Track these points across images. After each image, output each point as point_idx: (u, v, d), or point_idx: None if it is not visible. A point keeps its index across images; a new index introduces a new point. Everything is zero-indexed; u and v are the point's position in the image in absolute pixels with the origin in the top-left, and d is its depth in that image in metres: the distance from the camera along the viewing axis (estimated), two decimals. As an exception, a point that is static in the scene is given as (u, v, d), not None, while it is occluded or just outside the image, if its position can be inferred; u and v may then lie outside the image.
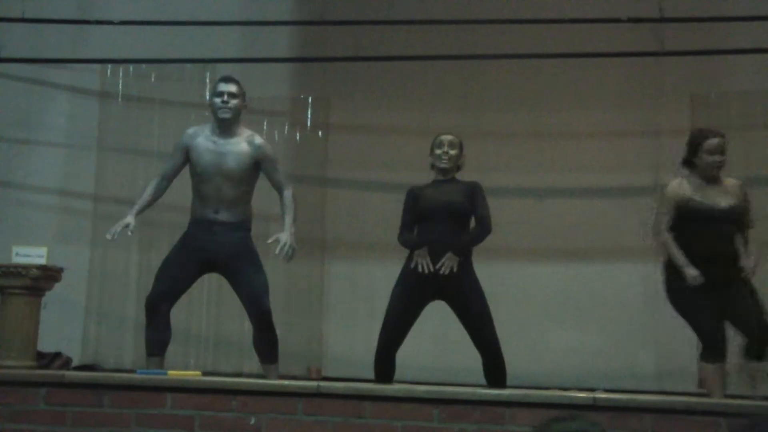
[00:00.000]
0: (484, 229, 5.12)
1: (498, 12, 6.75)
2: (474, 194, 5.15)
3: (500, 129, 6.88)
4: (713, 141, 4.95)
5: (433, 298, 5.11)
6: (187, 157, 5.18)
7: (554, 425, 1.80)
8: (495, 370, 5.07)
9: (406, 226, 5.20)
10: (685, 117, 6.85)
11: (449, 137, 5.26)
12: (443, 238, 5.02)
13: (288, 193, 5.18)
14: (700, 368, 4.94)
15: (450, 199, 5.11)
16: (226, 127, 5.12)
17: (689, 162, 5.03)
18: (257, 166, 5.15)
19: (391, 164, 7.02)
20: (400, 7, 6.97)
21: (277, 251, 4.98)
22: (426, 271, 4.95)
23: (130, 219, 5.07)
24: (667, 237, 4.93)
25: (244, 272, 5.09)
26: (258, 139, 5.18)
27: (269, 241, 5.02)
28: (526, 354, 6.07)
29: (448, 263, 4.96)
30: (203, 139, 5.13)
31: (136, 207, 5.19)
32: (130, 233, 5.09)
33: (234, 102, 5.11)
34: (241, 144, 5.11)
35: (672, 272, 4.94)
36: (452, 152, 5.21)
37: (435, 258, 4.98)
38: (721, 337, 4.87)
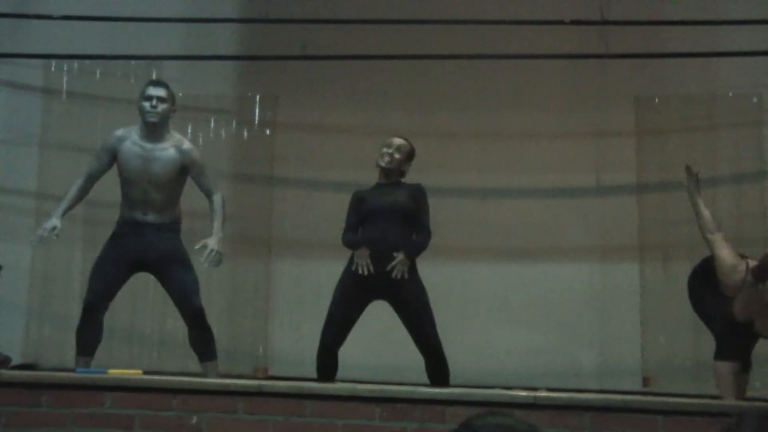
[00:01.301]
0: (428, 234, 5.15)
1: (445, 12, 6.79)
2: (418, 197, 5.17)
3: (445, 129, 6.91)
4: None
5: (374, 298, 5.12)
6: (113, 159, 5.13)
7: (475, 421, 1.79)
8: (438, 371, 5.10)
9: (350, 228, 5.21)
10: (629, 119, 6.94)
11: (399, 141, 5.28)
12: (388, 238, 5.04)
13: (217, 198, 5.17)
14: (714, 368, 4.96)
15: (395, 200, 5.12)
16: (153, 131, 5.08)
17: None
18: (185, 171, 5.13)
19: (338, 163, 7.01)
20: (348, 5, 6.96)
21: (203, 257, 4.96)
22: (365, 272, 4.96)
23: (56, 222, 5.03)
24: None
25: (173, 272, 5.09)
26: (186, 145, 5.15)
27: (196, 246, 5.01)
28: (469, 353, 6.11)
29: (399, 267, 4.97)
30: (130, 143, 5.09)
31: (61, 208, 5.15)
32: (55, 237, 5.03)
33: (163, 107, 5.07)
34: (169, 150, 5.08)
35: (698, 276, 5.03)
36: (396, 156, 5.22)
37: (379, 259, 4.99)
38: (738, 339, 4.90)
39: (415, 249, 5.09)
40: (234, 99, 7.35)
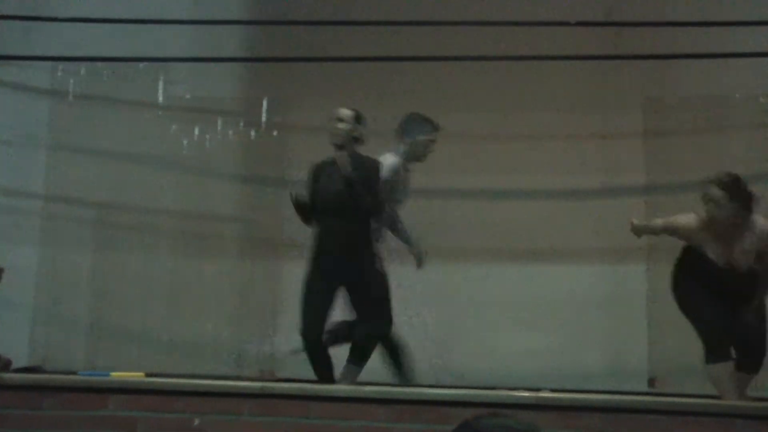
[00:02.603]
0: (382, 206, 5.20)
1: (453, 14, 6.77)
2: (371, 173, 5.16)
3: (454, 130, 6.86)
4: None
5: (340, 283, 5.13)
6: None
7: (475, 421, 1.79)
8: (397, 358, 5.12)
9: (304, 206, 5.24)
10: (638, 120, 6.91)
11: (343, 111, 5.27)
12: (343, 230, 5.06)
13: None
14: (708, 374, 4.88)
15: (346, 187, 5.08)
16: None
17: None
18: None
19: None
20: (356, 7, 6.95)
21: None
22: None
23: None
24: None
25: None
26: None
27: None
28: (477, 354, 6.10)
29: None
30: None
31: None
32: None
33: None
34: None
35: (681, 272, 4.99)
36: (342, 126, 5.20)
37: (337, 248, 5.03)
38: (723, 335, 4.84)
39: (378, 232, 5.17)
40: (242, 101, 7.35)
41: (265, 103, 7.27)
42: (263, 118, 7.28)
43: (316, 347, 5.11)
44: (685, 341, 6.38)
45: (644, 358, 6.58)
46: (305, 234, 7.07)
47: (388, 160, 5.27)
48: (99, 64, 7.22)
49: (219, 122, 7.22)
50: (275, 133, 7.29)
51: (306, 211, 5.21)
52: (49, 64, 7.25)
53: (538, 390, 4.47)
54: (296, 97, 7.22)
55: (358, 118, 5.27)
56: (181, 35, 7.13)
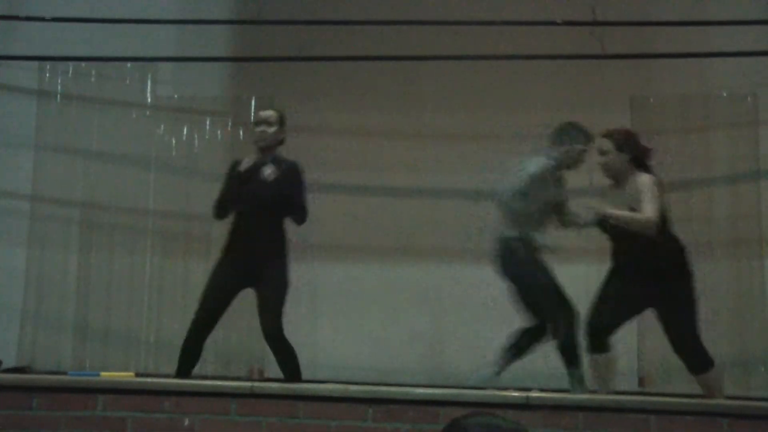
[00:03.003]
0: (304, 213, 5.20)
1: (440, 14, 6.78)
2: (294, 177, 5.19)
3: (440, 130, 6.90)
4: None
5: (245, 286, 5.16)
6: None
7: (463, 420, 1.81)
8: (282, 358, 5.12)
9: (222, 203, 5.22)
10: (624, 119, 6.93)
11: (268, 113, 5.30)
12: (260, 232, 5.07)
13: None
14: (703, 382, 4.97)
15: (269, 191, 5.11)
16: None
17: None
18: None
19: (334, 164, 7.01)
20: (343, 7, 6.95)
21: None
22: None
23: None
24: None
25: None
26: None
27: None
28: (465, 353, 6.09)
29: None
30: None
31: None
32: None
33: None
34: None
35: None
36: (270, 130, 5.22)
37: (250, 251, 5.04)
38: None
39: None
40: (229, 100, 7.34)
41: (253, 102, 7.27)
42: (252, 118, 7.28)
43: (198, 341, 5.13)
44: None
45: (634, 357, 6.61)
46: (292, 233, 7.12)
47: (539, 161, 5.22)
48: (86, 63, 7.21)
49: (207, 122, 7.21)
50: (263, 132, 7.28)
51: (226, 206, 5.23)
52: (36, 63, 7.22)
53: (527, 390, 4.50)
54: (285, 97, 7.21)
55: (282, 120, 5.30)
56: (168, 34, 7.13)
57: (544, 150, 5.31)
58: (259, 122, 5.25)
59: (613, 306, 4.90)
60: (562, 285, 5.16)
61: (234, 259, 5.09)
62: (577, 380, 5.01)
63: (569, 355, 5.04)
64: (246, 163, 5.24)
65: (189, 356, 5.11)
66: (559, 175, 5.29)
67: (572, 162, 5.32)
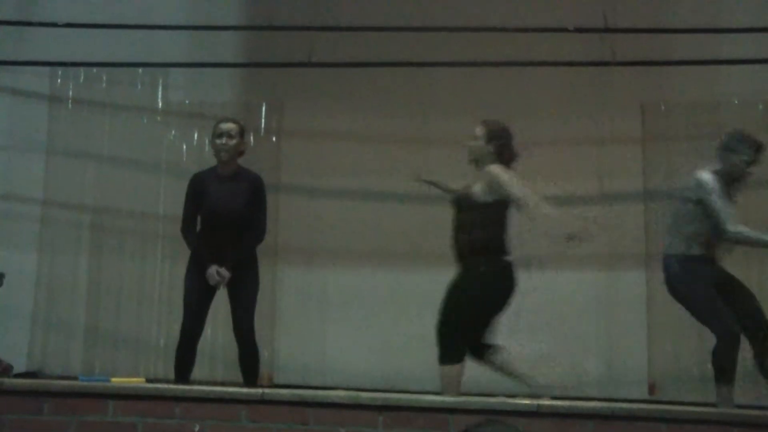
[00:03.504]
0: (261, 233, 5.23)
1: (448, 20, 6.79)
2: (257, 192, 5.21)
3: (450, 136, 6.87)
4: None
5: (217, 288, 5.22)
6: None
7: (474, 429, 1.81)
8: (248, 360, 5.18)
9: (188, 221, 5.26)
10: (636, 126, 6.93)
11: (228, 125, 5.26)
12: (226, 245, 5.11)
13: None
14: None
15: (233, 206, 5.14)
16: None
17: None
18: None
19: (344, 170, 7.03)
20: (353, 13, 6.96)
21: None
22: (223, 285, 5.13)
23: None
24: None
25: None
26: None
27: None
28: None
29: (219, 280, 5.10)
30: None
31: None
32: None
33: None
34: None
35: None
36: (231, 143, 5.21)
37: (218, 261, 5.09)
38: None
39: (246, 253, 5.19)
40: (240, 106, 7.35)
41: (263, 108, 7.28)
42: (262, 124, 7.29)
43: (191, 345, 5.18)
44: (684, 348, 6.44)
45: (644, 365, 6.60)
46: (302, 239, 7.13)
47: (704, 176, 5.02)
48: (97, 69, 7.24)
49: (218, 127, 7.22)
50: (273, 138, 7.30)
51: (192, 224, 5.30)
52: (47, 69, 7.26)
53: (537, 397, 4.48)
54: (294, 103, 7.23)
55: (242, 132, 5.30)
56: (179, 40, 7.15)
57: (710, 166, 5.11)
58: (221, 134, 5.22)
59: None
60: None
61: (203, 264, 5.13)
62: (723, 397, 4.87)
63: (722, 372, 4.88)
64: (207, 177, 5.25)
65: (184, 362, 5.17)
66: (726, 191, 5.06)
67: (739, 175, 5.11)
